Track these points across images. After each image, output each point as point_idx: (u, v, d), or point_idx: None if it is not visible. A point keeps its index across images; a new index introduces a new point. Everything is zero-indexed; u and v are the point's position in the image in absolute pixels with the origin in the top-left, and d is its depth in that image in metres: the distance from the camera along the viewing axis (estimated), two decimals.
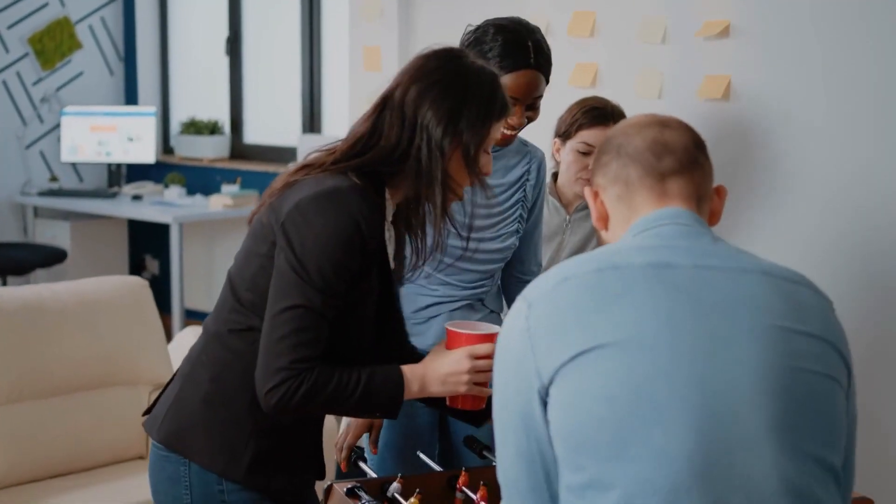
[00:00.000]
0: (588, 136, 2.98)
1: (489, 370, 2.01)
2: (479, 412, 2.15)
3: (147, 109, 6.43)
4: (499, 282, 2.70)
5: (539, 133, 2.82)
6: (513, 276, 2.71)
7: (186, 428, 2.01)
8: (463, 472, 2.26)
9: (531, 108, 2.52)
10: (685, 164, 1.60)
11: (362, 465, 2.42)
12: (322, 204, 1.89)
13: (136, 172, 6.65)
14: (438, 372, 2.02)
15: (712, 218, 1.65)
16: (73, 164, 6.55)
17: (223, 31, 6.41)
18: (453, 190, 2.00)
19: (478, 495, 2.17)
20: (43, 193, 6.26)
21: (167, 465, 2.04)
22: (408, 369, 2.00)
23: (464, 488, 2.24)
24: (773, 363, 1.46)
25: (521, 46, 2.46)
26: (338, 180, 1.93)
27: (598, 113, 3.00)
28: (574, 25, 3.44)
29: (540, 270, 2.73)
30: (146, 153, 6.35)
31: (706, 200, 1.63)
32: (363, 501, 2.17)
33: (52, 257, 5.91)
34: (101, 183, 6.60)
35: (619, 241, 1.59)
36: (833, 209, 2.89)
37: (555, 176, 3.10)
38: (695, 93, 3.13)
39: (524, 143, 2.67)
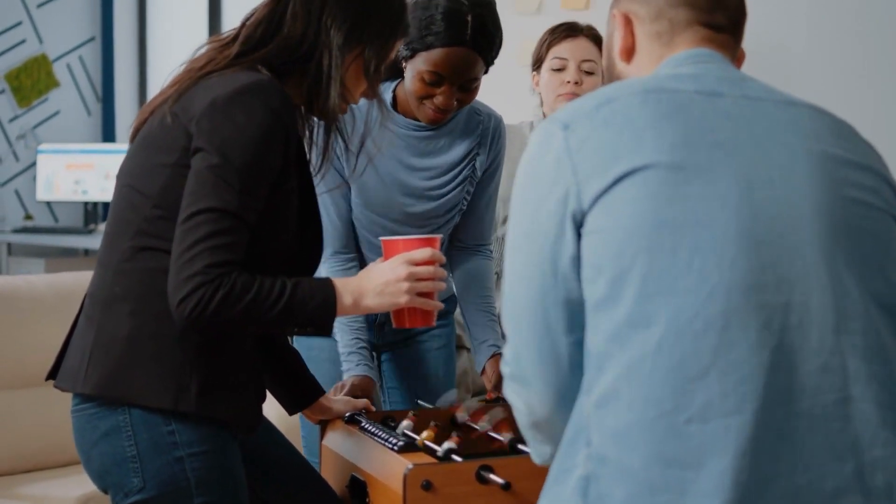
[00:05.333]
0: (559, 50, 2.95)
1: (431, 278, 1.87)
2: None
3: (125, 147, 6.30)
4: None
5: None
6: (451, 244, 2.56)
7: (119, 370, 1.75)
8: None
9: (463, 90, 2.31)
10: (733, 21, 1.53)
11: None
12: (242, 99, 1.74)
13: None
14: (374, 282, 1.84)
15: None
16: (49, 203, 6.43)
17: None
18: (345, 99, 1.88)
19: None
20: (17, 231, 6.13)
21: (100, 422, 1.77)
22: (340, 281, 1.82)
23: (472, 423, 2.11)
24: (829, 192, 1.35)
25: (459, 21, 2.25)
26: (253, 75, 1.79)
27: (565, 27, 2.98)
28: None
29: (486, 238, 2.57)
30: None
31: (734, 63, 1.55)
32: (363, 424, 2.03)
33: None
34: (77, 222, 6.47)
35: (656, 72, 1.48)
36: None
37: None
38: None
39: (476, 113, 2.47)
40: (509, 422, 2.02)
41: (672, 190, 1.31)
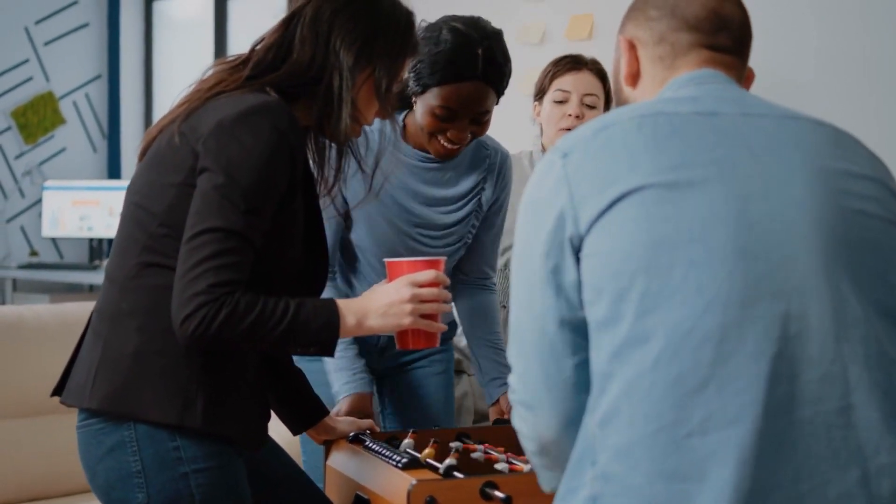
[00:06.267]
0: (562, 82, 2.97)
1: (435, 300, 1.88)
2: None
3: None
4: None
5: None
6: (455, 276, 2.55)
7: (126, 386, 1.75)
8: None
9: (476, 123, 2.30)
10: (738, 42, 1.54)
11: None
12: (249, 120, 1.75)
13: None
14: (377, 303, 1.84)
15: None
16: (54, 240, 6.45)
17: None
18: (357, 121, 1.89)
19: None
20: (22, 266, 6.15)
21: (106, 438, 1.77)
22: (343, 302, 1.82)
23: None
24: (828, 204, 1.36)
25: (469, 54, 2.24)
26: (261, 96, 1.80)
27: (570, 59, 3.00)
28: None
29: (490, 272, 2.58)
30: None
31: (741, 82, 1.57)
32: (367, 443, 2.04)
33: None
34: (83, 258, 6.49)
35: (658, 96, 1.50)
36: None
37: (543, 148, 3.06)
38: None
39: (483, 147, 2.48)
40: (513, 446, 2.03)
41: (667, 208, 1.33)
